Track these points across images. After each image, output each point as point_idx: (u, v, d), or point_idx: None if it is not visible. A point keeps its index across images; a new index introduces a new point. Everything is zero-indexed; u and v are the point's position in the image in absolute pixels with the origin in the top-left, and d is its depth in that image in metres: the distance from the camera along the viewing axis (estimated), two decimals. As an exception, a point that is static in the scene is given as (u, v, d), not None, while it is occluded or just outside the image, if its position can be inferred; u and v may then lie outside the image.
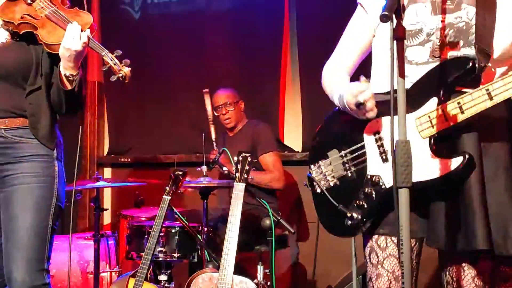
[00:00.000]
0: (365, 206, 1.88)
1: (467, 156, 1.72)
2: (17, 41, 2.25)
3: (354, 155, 1.93)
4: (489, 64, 1.78)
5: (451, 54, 1.82)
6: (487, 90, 1.71)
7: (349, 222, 1.90)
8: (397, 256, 1.58)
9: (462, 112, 1.73)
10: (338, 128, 2.02)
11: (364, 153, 1.91)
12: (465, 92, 1.74)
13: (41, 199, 2.22)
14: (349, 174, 1.94)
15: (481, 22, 1.79)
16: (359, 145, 1.92)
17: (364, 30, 2.02)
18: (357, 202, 1.90)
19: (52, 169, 2.26)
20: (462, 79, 1.76)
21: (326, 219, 2.02)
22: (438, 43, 1.84)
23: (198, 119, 4.48)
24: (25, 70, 2.22)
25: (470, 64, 1.73)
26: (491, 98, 1.70)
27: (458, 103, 1.74)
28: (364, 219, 1.88)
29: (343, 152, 1.96)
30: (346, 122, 1.97)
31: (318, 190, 2.00)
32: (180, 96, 4.84)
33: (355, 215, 1.89)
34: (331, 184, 1.97)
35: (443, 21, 1.84)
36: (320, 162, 2.00)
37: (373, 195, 1.87)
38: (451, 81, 1.77)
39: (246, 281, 2.81)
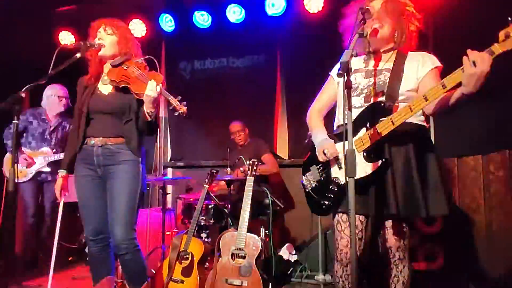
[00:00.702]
0: (332, 197, 1.91)
1: (384, 160, 1.77)
2: (117, 91, 2.29)
3: (323, 167, 1.97)
4: (396, 104, 1.82)
5: (376, 100, 1.87)
6: (391, 118, 1.76)
7: (324, 207, 1.94)
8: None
9: (379, 134, 1.78)
10: (315, 154, 2.03)
11: (329, 166, 1.95)
12: (383, 121, 1.79)
13: (131, 187, 2.24)
14: (322, 179, 1.97)
15: (392, 81, 1.85)
16: (326, 161, 1.96)
17: (333, 89, 2.08)
18: (327, 194, 1.93)
19: (138, 169, 2.28)
20: (379, 114, 1.81)
21: (312, 206, 2.05)
22: (368, 94, 1.89)
23: (224, 138, 4.51)
24: (123, 109, 2.26)
25: (382, 105, 1.80)
26: (393, 123, 1.75)
27: (375, 129, 1.78)
28: (332, 204, 1.91)
29: (318, 166, 2.00)
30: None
31: (307, 190, 2.04)
32: (214, 124, 4.85)
33: (327, 202, 1.93)
34: (313, 185, 2.01)
35: (370, 82, 1.90)
36: (307, 173, 2.05)
37: (335, 190, 1.90)
38: (373, 116, 1.83)
39: (254, 237, 2.82)
